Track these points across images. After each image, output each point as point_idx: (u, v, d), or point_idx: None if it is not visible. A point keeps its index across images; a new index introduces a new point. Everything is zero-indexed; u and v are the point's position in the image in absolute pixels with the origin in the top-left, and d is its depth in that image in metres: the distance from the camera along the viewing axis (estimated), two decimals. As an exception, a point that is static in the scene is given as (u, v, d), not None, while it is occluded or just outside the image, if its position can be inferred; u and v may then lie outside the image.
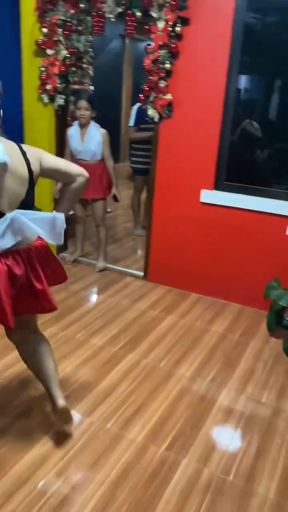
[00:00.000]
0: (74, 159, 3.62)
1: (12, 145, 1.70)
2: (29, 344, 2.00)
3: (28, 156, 1.71)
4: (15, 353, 2.60)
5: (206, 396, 2.39)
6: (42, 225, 1.74)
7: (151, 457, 1.97)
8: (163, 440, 2.07)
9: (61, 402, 1.90)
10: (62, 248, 4.15)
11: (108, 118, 4.90)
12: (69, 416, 1.96)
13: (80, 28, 3.57)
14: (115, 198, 3.79)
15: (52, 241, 1.79)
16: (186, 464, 1.95)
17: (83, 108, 3.49)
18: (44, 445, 1.98)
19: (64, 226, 1.80)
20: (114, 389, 2.39)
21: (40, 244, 1.80)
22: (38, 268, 1.77)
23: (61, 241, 1.82)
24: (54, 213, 1.79)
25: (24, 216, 1.67)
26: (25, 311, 1.85)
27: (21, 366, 2.51)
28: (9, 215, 1.65)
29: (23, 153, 1.70)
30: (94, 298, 3.49)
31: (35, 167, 1.72)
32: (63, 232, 1.81)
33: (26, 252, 1.74)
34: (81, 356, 2.67)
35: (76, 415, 2.18)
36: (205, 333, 3.02)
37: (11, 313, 1.69)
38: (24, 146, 1.74)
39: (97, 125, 3.61)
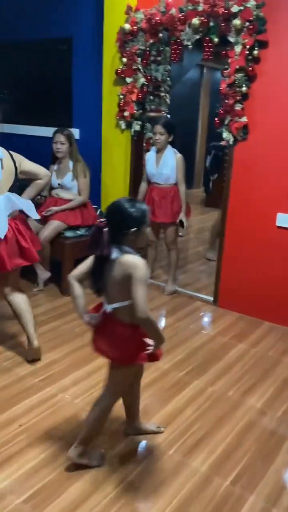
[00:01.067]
0: (150, 182, 3.69)
1: (3, 149, 2.47)
2: (18, 296, 2.68)
3: (14, 157, 2.52)
4: (82, 372, 2.63)
5: (277, 431, 2.22)
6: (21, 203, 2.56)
7: (215, 490, 1.85)
8: (228, 472, 1.94)
9: (35, 342, 2.66)
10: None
11: (184, 145, 4.96)
12: (40, 353, 2.72)
13: (158, 58, 3.68)
14: (181, 224, 3.70)
15: (30, 214, 2.61)
16: (253, 502, 1.80)
17: (158, 133, 3.56)
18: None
19: (29, 204, 2.61)
20: (178, 414, 2.30)
21: (21, 216, 2.61)
22: (23, 232, 2.56)
23: (36, 216, 2.67)
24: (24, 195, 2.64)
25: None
26: (17, 263, 2.57)
27: (86, 384, 2.52)
28: (6, 194, 2.47)
29: (11, 155, 2.51)
30: (161, 320, 3.45)
31: (18, 166, 2.53)
32: (33, 208, 2.64)
33: (14, 221, 2.53)
34: (146, 377, 2.60)
35: (139, 437, 2.13)
36: (278, 364, 2.84)
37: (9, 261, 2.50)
38: (10, 151, 2.51)
39: (174, 150, 3.63)
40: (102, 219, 1.70)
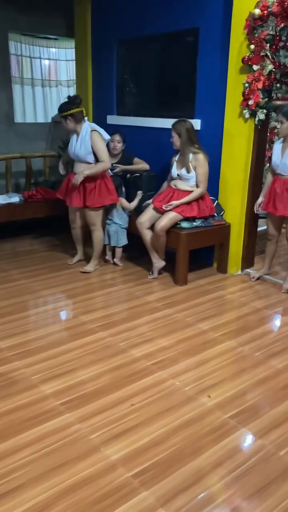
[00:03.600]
0: (274, 174, 3.55)
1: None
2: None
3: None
4: (193, 360, 2.65)
5: None
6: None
7: None
8: None
9: None
10: (247, 264, 4.08)
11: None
12: None
13: (288, 43, 3.49)
14: None
15: None
16: None
17: (280, 122, 3.39)
18: (209, 457, 1.94)
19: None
20: (292, 416, 2.20)
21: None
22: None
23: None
24: None
25: None
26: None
27: (198, 372, 2.54)
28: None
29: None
30: (277, 319, 3.31)
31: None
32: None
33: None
34: (258, 375, 2.55)
35: (247, 433, 2.08)
36: None
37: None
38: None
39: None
40: None
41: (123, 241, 4.14)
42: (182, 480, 1.82)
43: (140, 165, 4.34)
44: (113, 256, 4.21)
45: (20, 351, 2.73)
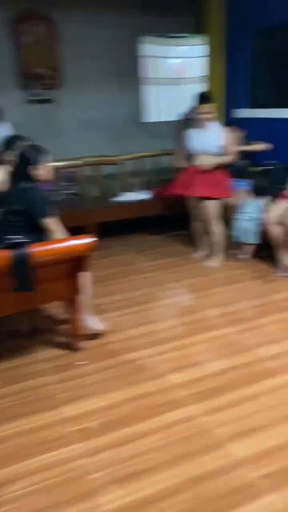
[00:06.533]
0: None
1: None
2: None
3: None
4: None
5: None
6: None
7: None
8: None
9: None
10: None
11: None
12: None
13: None
14: None
15: None
16: None
17: None
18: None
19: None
20: None
21: None
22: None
23: None
24: None
25: None
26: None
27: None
28: None
29: None
30: None
31: None
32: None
33: None
34: None
35: None
36: None
37: None
38: None
39: None
40: None
41: (258, 238, 3.96)
42: (313, 489, 1.73)
43: (259, 145, 4.22)
44: (242, 252, 4.11)
45: (149, 340, 2.85)
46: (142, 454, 1.93)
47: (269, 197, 3.92)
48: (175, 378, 2.44)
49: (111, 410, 2.22)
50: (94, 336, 2.84)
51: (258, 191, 4.00)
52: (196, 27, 5.95)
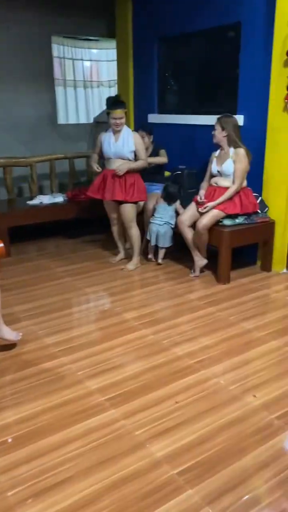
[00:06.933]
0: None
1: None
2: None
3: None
4: (237, 360, 2.63)
5: None
6: None
7: None
8: None
9: None
10: (292, 262, 3.99)
11: None
12: None
13: None
14: None
15: None
16: None
17: None
18: (254, 458, 1.91)
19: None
20: None
21: None
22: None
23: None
24: None
25: None
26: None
27: (242, 372, 2.51)
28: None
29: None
30: None
31: None
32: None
33: None
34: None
35: (294, 435, 2.04)
36: None
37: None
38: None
39: None
40: None
41: (170, 241, 4.12)
42: (227, 480, 1.80)
43: (159, 158, 4.33)
44: (156, 255, 4.22)
45: (66, 347, 2.80)
46: (61, 464, 1.89)
47: (179, 201, 4.08)
48: (93, 383, 2.42)
49: (27, 422, 2.14)
50: (7, 347, 2.72)
51: (168, 196, 4.12)
52: (107, 31, 6.00)
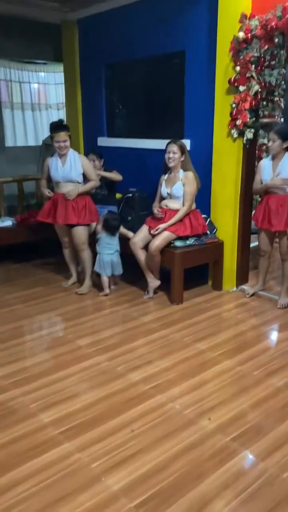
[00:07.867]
0: (267, 192, 3.57)
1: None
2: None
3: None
4: (192, 382, 2.64)
5: None
6: None
7: None
8: None
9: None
10: (242, 281, 4.09)
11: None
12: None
13: (273, 62, 3.55)
14: None
15: None
16: None
17: (271, 140, 3.45)
18: (213, 482, 1.91)
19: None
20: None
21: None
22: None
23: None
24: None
25: None
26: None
27: (197, 394, 2.52)
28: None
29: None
30: (274, 335, 3.32)
31: None
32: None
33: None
34: (257, 395, 2.54)
35: (250, 455, 2.06)
36: None
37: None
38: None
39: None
40: None
41: (121, 267, 4.05)
42: (186, 507, 1.79)
43: (114, 174, 4.37)
44: (110, 284, 4.07)
45: (17, 378, 2.70)
46: (12, 507, 1.79)
47: (130, 224, 4.07)
48: (47, 416, 2.34)
49: (-24, 463, 2.03)
50: None
51: (110, 228, 3.94)
52: (54, 55, 6.01)
